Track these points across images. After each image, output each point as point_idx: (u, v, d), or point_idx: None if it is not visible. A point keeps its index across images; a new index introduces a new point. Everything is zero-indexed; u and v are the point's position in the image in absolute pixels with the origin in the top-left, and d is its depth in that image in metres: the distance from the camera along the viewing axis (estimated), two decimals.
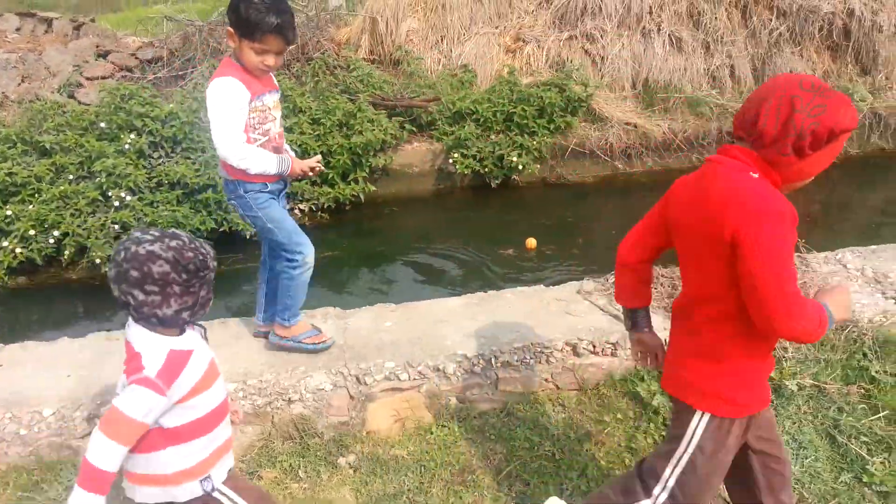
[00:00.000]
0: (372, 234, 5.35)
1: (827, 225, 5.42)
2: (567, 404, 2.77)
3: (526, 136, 6.05)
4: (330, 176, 5.42)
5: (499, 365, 2.80)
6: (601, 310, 3.09)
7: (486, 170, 5.93)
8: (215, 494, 1.77)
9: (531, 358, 2.84)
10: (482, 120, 6.11)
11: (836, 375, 2.75)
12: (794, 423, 2.58)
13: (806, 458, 2.46)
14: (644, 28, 7.01)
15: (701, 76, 6.90)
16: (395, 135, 5.85)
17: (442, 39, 7.24)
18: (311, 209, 5.36)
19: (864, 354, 2.86)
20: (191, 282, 1.62)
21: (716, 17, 6.98)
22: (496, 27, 7.38)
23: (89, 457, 1.55)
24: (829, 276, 3.28)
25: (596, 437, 2.62)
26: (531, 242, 5.03)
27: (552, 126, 6.17)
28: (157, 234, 1.62)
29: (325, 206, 5.39)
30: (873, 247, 3.60)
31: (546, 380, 2.85)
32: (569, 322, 3.00)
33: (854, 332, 2.92)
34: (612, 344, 2.87)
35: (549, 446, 2.58)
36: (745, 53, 6.93)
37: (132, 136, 4.96)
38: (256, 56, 2.34)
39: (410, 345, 2.82)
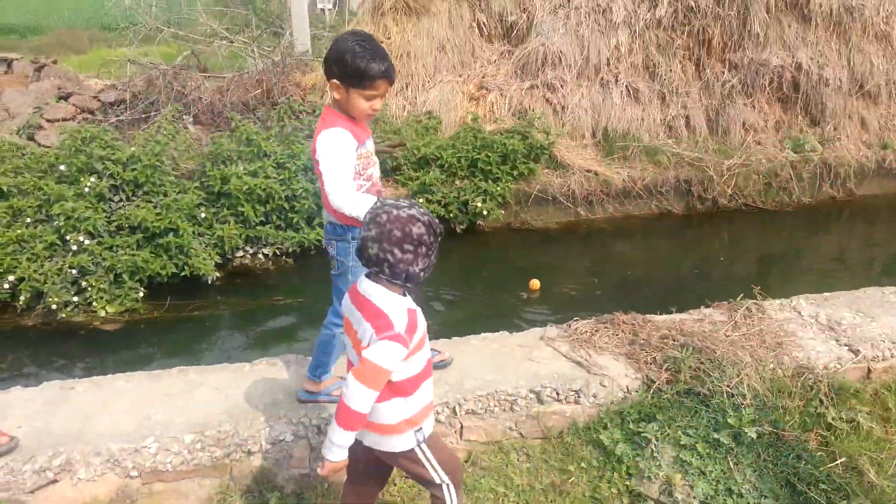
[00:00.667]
0: None
1: (781, 273, 5.58)
2: (531, 453, 2.76)
3: (490, 182, 6.14)
4: (295, 220, 5.40)
5: (463, 413, 2.79)
6: (564, 356, 3.11)
7: (452, 215, 5.97)
8: (421, 447, 2.01)
9: (495, 406, 2.83)
10: (447, 166, 6.19)
11: (794, 423, 2.80)
12: (755, 471, 2.60)
13: None
14: (602, 79, 7.25)
15: (658, 126, 7.12)
16: None
17: (407, 86, 7.36)
18: (274, 254, 5.32)
19: (821, 401, 2.92)
20: (433, 245, 1.91)
21: (671, 70, 7.25)
22: (460, 75, 7.54)
23: (348, 402, 1.83)
24: (785, 323, 3.36)
25: (560, 487, 2.61)
26: (535, 284, 5.04)
27: (516, 172, 6.27)
28: (406, 202, 1.90)
29: (290, 251, 5.35)
30: (826, 294, 3.71)
31: (510, 428, 2.84)
32: (532, 369, 3.00)
33: (810, 378, 2.98)
34: (575, 391, 2.88)
35: (513, 497, 2.56)
36: (699, 104, 7.19)
37: (92, 179, 4.88)
38: (366, 102, 2.41)
39: None
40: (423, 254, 1.88)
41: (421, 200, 5.96)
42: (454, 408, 2.77)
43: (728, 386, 2.86)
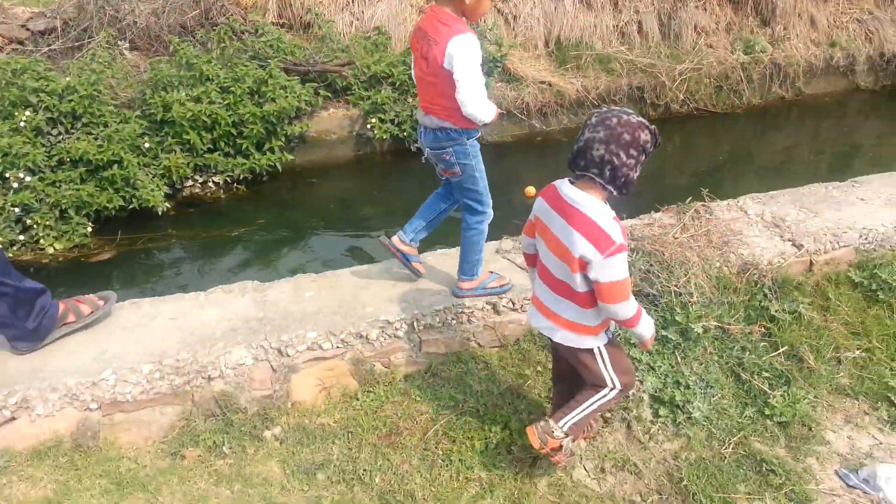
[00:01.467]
0: (292, 205, 5.25)
1: (732, 174, 5.68)
2: (489, 361, 2.84)
3: None
4: (244, 146, 5.26)
5: (421, 328, 2.83)
6: (519, 267, 3.16)
7: (406, 134, 5.88)
8: (602, 348, 2.15)
9: (453, 319, 2.88)
10: (399, 83, 6.03)
11: (739, 316, 2.92)
12: (702, 363, 2.73)
13: (713, 397, 2.62)
14: None
15: (611, 33, 7.00)
16: (309, 101, 5.70)
17: (353, 1, 7.06)
18: (226, 181, 5.21)
19: (765, 295, 3.03)
20: (650, 154, 1.93)
21: None
22: None
23: (626, 317, 2.02)
24: (732, 223, 3.45)
25: (517, 390, 2.70)
26: (530, 190, 5.14)
27: None
28: (626, 109, 1.93)
29: (241, 178, 5.24)
30: (772, 192, 3.79)
31: (468, 339, 2.90)
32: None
33: (755, 274, 3.09)
34: (529, 299, 2.94)
35: (472, 403, 2.64)
36: (651, 9, 7.07)
37: (27, 112, 4.64)
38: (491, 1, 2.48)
39: (332, 314, 2.81)
40: (640, 161, 1.91)
41: (373, 120, 5.84)
42: (412, 323, 2.82)
43: (676, 286, 2.95)
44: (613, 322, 2.16)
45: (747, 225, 3.45)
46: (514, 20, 6.96)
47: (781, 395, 2.63)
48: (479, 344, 2.91)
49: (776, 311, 2.95)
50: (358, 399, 2.65)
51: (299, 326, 2.72)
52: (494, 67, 6.33)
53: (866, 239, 3.30)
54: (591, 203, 1.92)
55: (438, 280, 3.05)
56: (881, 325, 2.99)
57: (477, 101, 2.49)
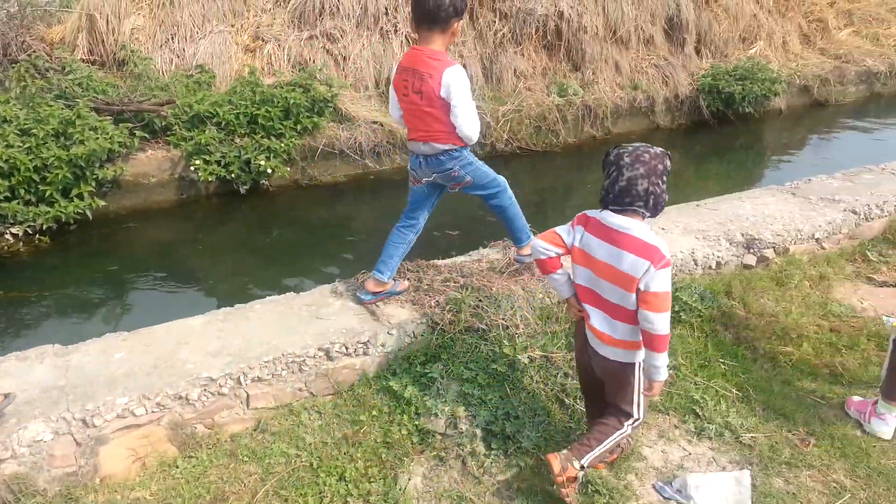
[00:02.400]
0: (103, 256, 4.83)
1: (553, 209, 6.05)
2: (323, 410, 2.75)
3: (273, 138, 5.89)
4: (48, 193, 4.79)
5: (249, 382, 2.69)
6: (353, 310, 3.12)
7: (234, 175, 5.66)
8: (641, 364, 2.34)
9: (283, 369, 2.77)
10: (224, 123, 5.82)
11: (561, 344, 3.07)
12: (529, 393, 2.83)
13: (541, 424, 2.71)
14: (382, 28, 7.20)
15: None
16: (124, 143, 5.33)
17: (173, 38, 6.77)
18: (26, 233, 4.69)
19: None
20: None
21: None
22: (232, 25, 7.09)
23: (663, 331, 2.17)
24: None
25: (352, 438, 2.64)
26: None
27: (300, 127, 6.08)
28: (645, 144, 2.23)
29: (44, 228, 4.75)
30: None
31: (300, 389, 2.80)
32: (321, 326, 2.97)
33: None
34: (364, 343, 2.91)
35: (306, 457, 2.54)
36: (474, 53, 7.44)
37: None
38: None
39: (146, 375, 2.59)
40: (665, 186, 2.19)
41: (197, 162, 5.58)
42: (238, 378, 2.67)
43: (503, 319, 3.06)
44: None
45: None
46: (343, 61, 7.01)
47: None
48: (311, 393, 2.82)
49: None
50: (178, 467, 2.45)
51: (107, 392, 2.48)
52: (325, 107, 6.32)
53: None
54: (638, 226, 2.17)
55: (268, 328, 2.93)
56: (684, 344, 3.27)
57: (472, 124, 2.85)
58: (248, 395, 2.69)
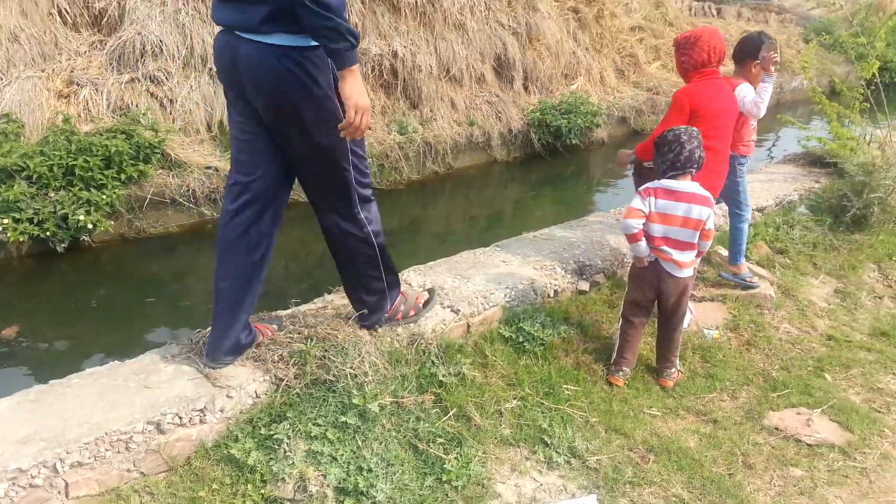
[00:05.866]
0: None
1: (400, 247, 6.07)
2: (156, 491, 2.51)
3: (93, 190, 5.44)
4: None
5: (67, 468, 2.40)
6: (187, 374, 2.89)
7: (49, 233, 5.15)
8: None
9: (107, 450, 2.50)
10: (36, 177, 5.30)
11: (412, 387, 3.04)
12: (381, 442, 2.76)
13: (395, 474, 2.65)
14: (211, 70, 6.93)
15: None
16: None
17: None
18: None
19: (433, 362, 3.22)
20: None
21: None
22: (42, 70, 6.50)
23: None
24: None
25: None
26: None
27: (123, 177, 5.67)
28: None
29: None
30: (430, 263, 4.11)
31: (128, 470, 2.54)
32: (150, 397, 2.72)
33: (422, 343, 3.27)
34: (199, 411, 2.70)
35: None
36: None
37: None
38: None
39: None
40: None
41: (6, 221, 5.02)
42: (54, 465, 2.37)
43: (352, 367, 2.97)
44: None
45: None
46: (170, 104, 6.66)
47: (455, 458, 2.78)
48: (142, 473, 2.57)
49: (443, 376, 3.15)
50: None
51: None
52: (152, 154, 5.94)
53: (510, 297, 3.74)
54: (695, 186, 3.16)
55: (88, 405, 2.63)
56: (530, 373, 3.36)
57: None
58: (66, 484, 2.39)
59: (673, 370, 3.45)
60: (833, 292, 4.50)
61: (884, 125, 5.80)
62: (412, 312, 3.31)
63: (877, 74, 5.52)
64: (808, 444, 3.06)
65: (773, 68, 3.78)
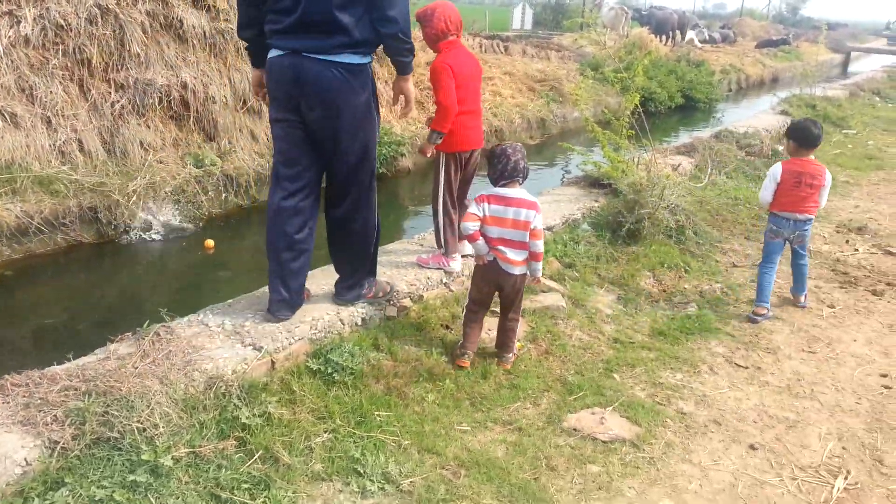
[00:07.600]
0: None
1: (197, 289, 5.72)
2: None
3: None
4: None
5: None
6: None
7: None
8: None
9: None
10: None
11: (212, 434, 2.84)
12: (178, 498, 2.53)
13: None
14: None
15: (48, 152, 6.41)
16: None
17: None
18: None
19: (235, 405, 3.04)
20: None
21: (51, 92, 6.59)
22: None
23: (540, 250, 3.62)
24: (193, 338, 3.39)
25: None
26: (209, 243, 6.29)
27: None
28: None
29: None
30: (230, 301, 3.91)
31: None
32: None
33: (221, 386, 3.07)
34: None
35: None
36: (91, 126, 6.75)
37: None
38: None
39: None
40: None
41: None
42: None
43: (139, 421, 2.71)
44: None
45: (209, 338, 3.44)
46: None
47: (263, 502, 2.63)
48: None
49: (247, 418, 2.98)
50: None
51: None
52: None
53: (316, 329, 3.66)
54: (522, 192, 3.56)
55: None
56: (341, 404, 3.29)
57: None
58: None
59: (510, 355, 3.86)
60: (616, 299, 4.95)
61: (649, 149, 6.55)
62: (381, 294, 4.01)
63: (638, 105, 6.26)
64: (602, 441, 3.29)
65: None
